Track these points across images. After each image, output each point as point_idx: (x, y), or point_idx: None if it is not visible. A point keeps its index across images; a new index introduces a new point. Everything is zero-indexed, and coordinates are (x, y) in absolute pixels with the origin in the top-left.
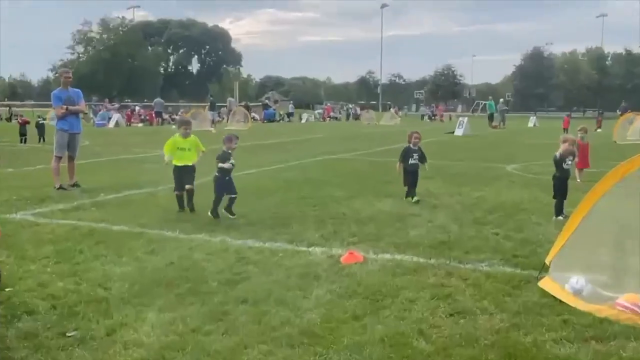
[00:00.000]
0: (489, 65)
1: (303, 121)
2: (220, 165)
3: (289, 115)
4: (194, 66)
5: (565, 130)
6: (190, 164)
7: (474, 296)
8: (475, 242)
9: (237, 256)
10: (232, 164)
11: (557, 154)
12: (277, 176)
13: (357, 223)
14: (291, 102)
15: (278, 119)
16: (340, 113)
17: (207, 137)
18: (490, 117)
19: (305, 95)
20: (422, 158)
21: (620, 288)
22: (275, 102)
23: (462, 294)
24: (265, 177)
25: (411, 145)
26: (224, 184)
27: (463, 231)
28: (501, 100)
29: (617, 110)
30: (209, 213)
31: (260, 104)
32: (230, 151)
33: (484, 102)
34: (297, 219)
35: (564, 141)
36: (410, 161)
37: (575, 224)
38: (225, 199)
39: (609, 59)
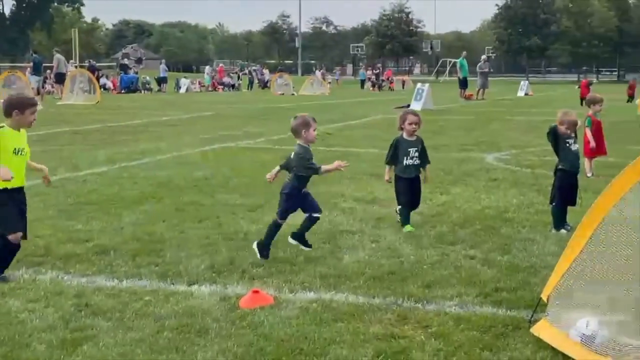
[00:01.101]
0: (459, 6)
1: (182, 91)
2: (299, 172)
3: (160, 81)
4: (6, 4)
5: (583, 100)
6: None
7: (438, 352)
8: (440, 270)
9: (77, 303)
10: (316, 168)
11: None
12: (142, 177)
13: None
14: (163, 61)
15: (142, 87)
16: (239, 78)
17: None
18: (463, 83)
19: (184, 51)
20: (423, 157)
21: None
22: (138, 61)
23: (421, 349)
24: (124, 179)
25: (404, 136)
26: (299, 199)
27: (422, 255)
28: (483, 57)
29: None
30: (257, 250)
31: (114, 64)
32: (308, 145)
33: (454, 60)
34: (174, 242)
35: (560, 122)
36: (406, 162)
37: (583, 241)
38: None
39: None
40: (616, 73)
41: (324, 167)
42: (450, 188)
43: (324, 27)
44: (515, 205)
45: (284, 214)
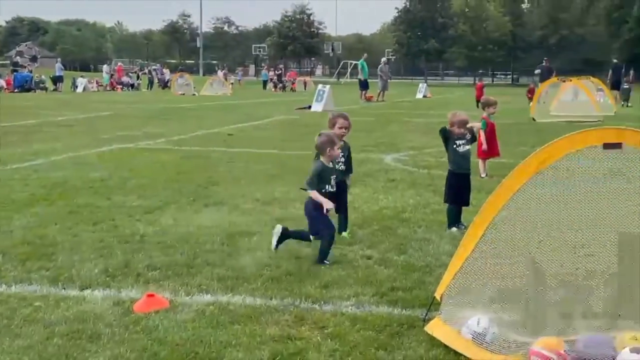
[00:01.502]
0: (360, 9)
1: (79, 90)
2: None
3: (56, 80)
4: None
5: (479, 102)
6: None
7: (334, 353)
8: (338, 271)
9: None
10: (307, 186)
11: (444, 127)
12: (34, 178)
13: (161, 249)
14: (59, 60)
15: (36, 86)
16: (139, 78)
17: None
18: (363, 85)
19: (82, 49)
20: (348, 165)
21: (538, 329)
22: (33, 59)
23: (317, 350)
24: (15, 181)
25: None
26: (325, 218)
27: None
28: (383, 60)
29: (535, 72)
30: (276, 236)
31: (7, 62)
32: (329, 163)
33: (355, 62)
34: (66, 245)
35: (451, 124)
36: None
37: (475, 240)
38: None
39: (527, 0)
40: (510, 76)
41: (313, 194)
42: (351, 189)
43: (225, 27)
44: (412, 206)
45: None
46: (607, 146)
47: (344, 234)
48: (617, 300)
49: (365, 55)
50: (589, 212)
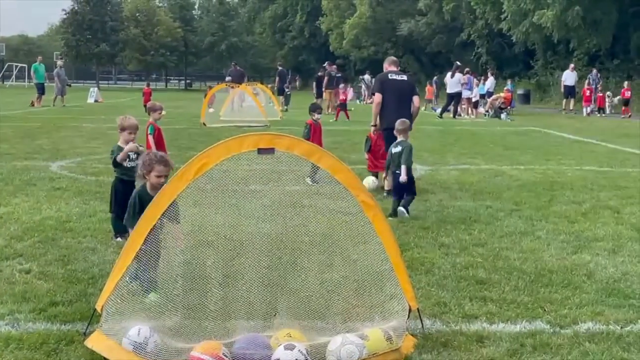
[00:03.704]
0: (25, 9)
1: None
2: None
3: None
4: None
5: (146, 107)
6: None
7: None
8: None
9: None
10: None
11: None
12: None
13: None
14: None
15: None
16: None
17: None
18: (40, 88)
19: None
20: None
21: (199, 334)
22: None
23: None
24: None
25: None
26: None
27: None
28: (59, 63)
29: (226, 79)
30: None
31: None
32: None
33: (20, 65)
34: None
35: (122, 128)
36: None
37: (135, 248)
38: None
39: (197, 7)
40: (184, 81)
41: None
42: (11, 199)
43: None
44: (77, 215)
45: None
46: (261, 151)
47: None
48: (272, 299)
49: (41, 58)
50: (244, 214)
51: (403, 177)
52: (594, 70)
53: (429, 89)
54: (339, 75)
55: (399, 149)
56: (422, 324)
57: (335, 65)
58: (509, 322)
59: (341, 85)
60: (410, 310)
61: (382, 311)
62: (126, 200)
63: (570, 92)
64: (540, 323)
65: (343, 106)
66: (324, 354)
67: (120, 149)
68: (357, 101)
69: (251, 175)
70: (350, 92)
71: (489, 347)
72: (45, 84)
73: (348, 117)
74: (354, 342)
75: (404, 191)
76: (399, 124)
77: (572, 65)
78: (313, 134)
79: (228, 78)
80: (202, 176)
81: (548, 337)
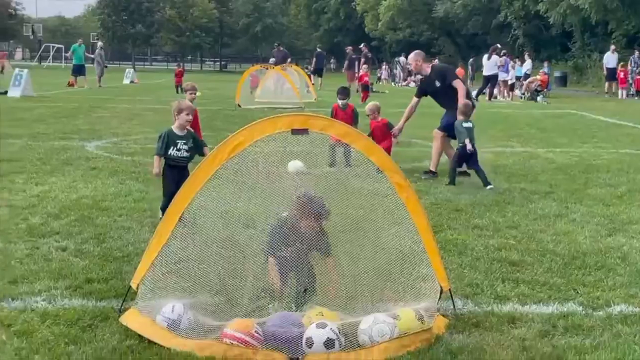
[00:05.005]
0: None
1: None
2: None
3: None
4: None
5: (179, 87)
6: None
7: (19, 352)
8: (29, 265)
9: None
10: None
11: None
12: None
13: None
14: None
15: None
16: None
17: None
18: (77, 69)
19: None
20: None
21: (232, 312)
22: None
23: (1, 350)
24: None
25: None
26: None
27: (9, 249)
28: (100, 44)
29: (270, 60)
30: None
31: None
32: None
33: (57, 45)
34: None
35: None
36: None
37: (170, 227)
38: None
39: None
40: (219, 63)
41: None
42: (47, 178)
43: None
44: (112, 194)
45: None
46: (295, 131)
47: None
48: (308, 279)
49: (81, 40)
50: (278, 195)
51: (469, 147)
52: (637, 52)
53: (460, 72)
54: (354, 56)
55: (469, 124)
56: (454, 304)
57: (351, 47)
58: (541, 304)
59: (364, 67)
60: (442, 291)
61: (414, 291)
62: (174, 186)
63: (612, 74)
64: (573, 305)
65: (365, 87)
66: (355, 332)
67: (172, 133)
68: (393, 83)
69: (285, 155)
70: (384, 72)
71: (521, 328)
72: (85, 65)
73: (363, 100)
74: (386, 321)
75: (467, 161)
76: (462, 106)
77: (612, 47)
78: (335, 118)
79: (272, 60)
80: (236, 156)
81: (580, 319)
